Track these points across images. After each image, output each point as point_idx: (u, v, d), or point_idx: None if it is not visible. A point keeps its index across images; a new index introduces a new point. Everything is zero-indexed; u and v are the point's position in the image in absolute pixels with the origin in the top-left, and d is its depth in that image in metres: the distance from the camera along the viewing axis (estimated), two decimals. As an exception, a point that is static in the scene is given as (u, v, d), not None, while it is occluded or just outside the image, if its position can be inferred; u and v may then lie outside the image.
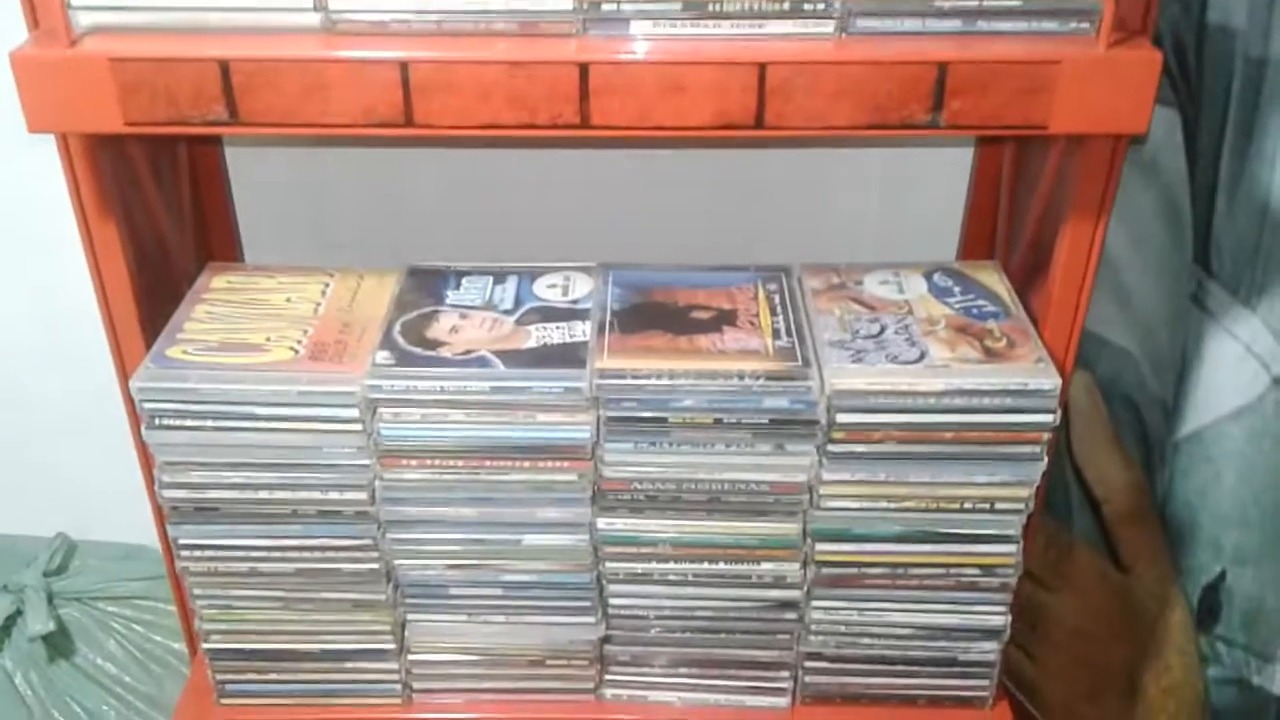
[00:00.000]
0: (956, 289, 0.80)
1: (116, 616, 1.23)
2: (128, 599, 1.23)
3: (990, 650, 0.81)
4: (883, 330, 0.75)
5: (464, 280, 0.81)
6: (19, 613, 1.18)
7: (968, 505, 0.75)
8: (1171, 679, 1.02)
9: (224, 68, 0.60)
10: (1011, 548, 0.76)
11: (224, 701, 0.84)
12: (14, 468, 1.26)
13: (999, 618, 0.80)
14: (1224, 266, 0.90)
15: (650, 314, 0.77)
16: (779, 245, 0.91)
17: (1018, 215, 0.82)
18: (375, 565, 0.78)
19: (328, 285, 0.81)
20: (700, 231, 0.94)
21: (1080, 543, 1.11)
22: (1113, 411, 1.06)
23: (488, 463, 0.74)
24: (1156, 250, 0.96)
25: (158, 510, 0.77)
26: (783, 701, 0.84)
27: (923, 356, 0.73)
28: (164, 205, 0.79)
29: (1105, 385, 1.05)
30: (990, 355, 0.73)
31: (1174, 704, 1.02)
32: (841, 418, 0.71)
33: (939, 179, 0.91)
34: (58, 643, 1.20)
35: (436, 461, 0.74)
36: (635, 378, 0.71)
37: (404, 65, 0.60)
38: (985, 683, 0.83)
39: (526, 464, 0.74)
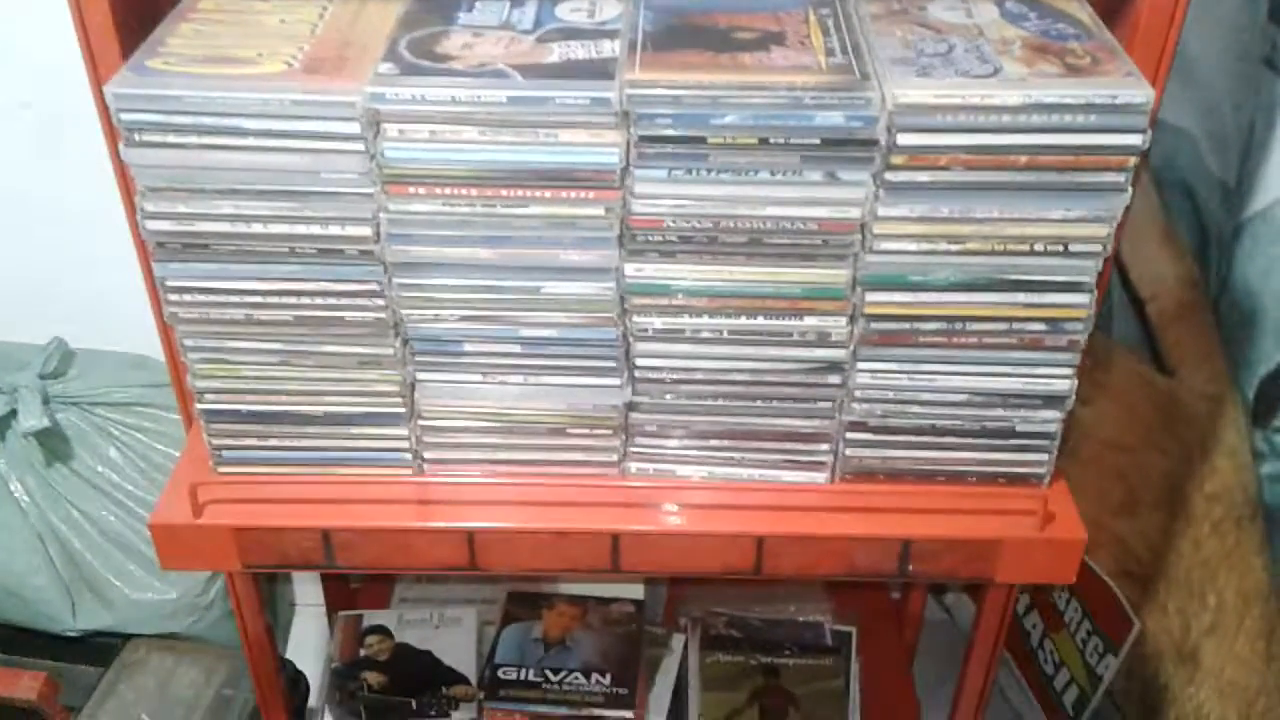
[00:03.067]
0: (1032, 14, 0.71)
1: (117, 424, 1.18)
2: (128, 405, 1.18)
3: (1052, 420, 0.75)
4: (951, 49, 0.67)
5: (477, 2, 0.73)
6: (13, 414, 1.13)
7: (1038, 247, 0.67)
8: (1218, 483, 0.96)
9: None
10: (1084, 298, 0.69)
11: (222, 470, 0.78)
12: (11, 277, 1.20)
13: (1064, 381, 0.73)
14: None
15: (687, 34, 0.69)
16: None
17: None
18: (381, 314, 0.71)
19: (326, 8, 0.72)
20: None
21: (1119, 347, 1.04)
22: (1165, 200, 0.98)
23: (504, 193, 0.66)
24: (1227, 8, 0.88)
25: (142, 248, 0.70)
26: (821, 476, 0.78)
27: (997, 72, 0.64)
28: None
29: (1158, 172, 0.97)
30: (1073, 71, 0.64)
31: (1220, 509, 0.96)
32: (903, 139, 0.63)
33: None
34: (55, 446, 1.15)
35: (447, 190, 0.66)
36: (671, 89, 0.63)
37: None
38: (1044, 457, 0.76)
39: (548, 194, 0.66)
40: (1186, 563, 1.00)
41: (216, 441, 0.77)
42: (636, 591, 1.14)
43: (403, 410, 0.76)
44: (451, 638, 1.13)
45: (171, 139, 0.64)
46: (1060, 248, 0.67)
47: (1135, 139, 0.63)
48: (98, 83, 0.66)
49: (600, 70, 0.65)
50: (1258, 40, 0.89)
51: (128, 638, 1.15)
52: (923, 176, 0.65)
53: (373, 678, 1.09)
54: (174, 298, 0.70)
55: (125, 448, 1.17)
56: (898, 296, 0.70)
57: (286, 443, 0.77)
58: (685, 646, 1.13)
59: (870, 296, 0.70)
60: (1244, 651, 0.94)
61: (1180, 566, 1.01)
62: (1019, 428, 0.75)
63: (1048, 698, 1.22)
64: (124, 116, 0.64)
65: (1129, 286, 1.04)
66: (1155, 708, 1.05)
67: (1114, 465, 1.07)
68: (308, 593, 1.38)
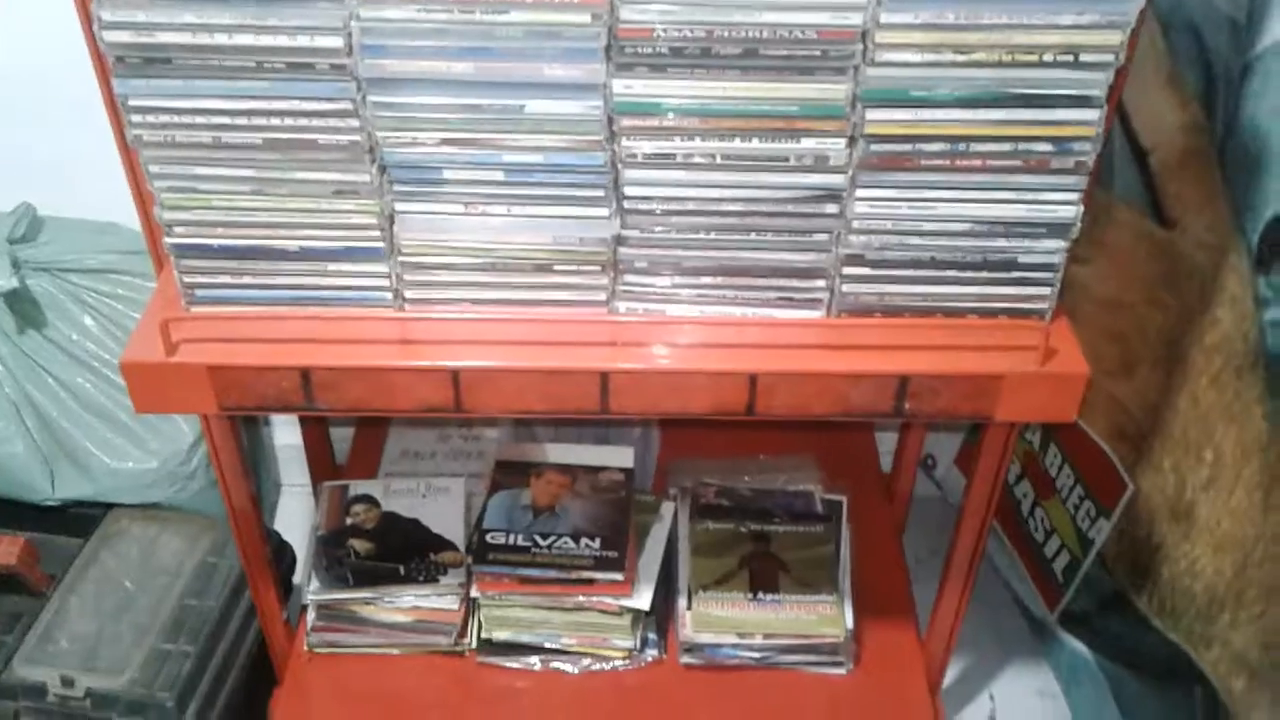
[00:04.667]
0: None
1: (90, 291, 1.14)
2: (101, 272, 1.14)
3: (1055, 250, 0.72)
4: None
5: None
6: (-19, 279, 1.09)
7: (1047, 57, 0.64)
8: (1218, 334, 0.94)
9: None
10: (1094, 114, 0.66)
11: (195, 309, 0.75)
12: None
13: (1070, 208, 0.70)
14: None
15: None
16: None
17: None
18: (356, 137, 0.68)
19: None
20: None
21: (1119, 203, 1.02)
22: (1170, 43, 0.94)
23: (486, -2, 0.62)
24: None
25: (100, 63, 0.66)
26: (816, 314, 0.76)
27: None
28: None
29: (1164, 15, 0.94)
30: None
31: (1220, 360, 0.94)
32: (908, -67, 0.59)
33: None
34: (27, 312, 1.12)
35: (424, -6, 0.62)
36: (661, -123, 0.59)
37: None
38: (1046, 290, 0.74)
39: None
40: (1183, 419, 0.99)
41: (188, 279, 0.74)
42: (626, 459, 1.12)
43: (381, 244, 0.72)
44: (439, 506, 1.11)
45: (127, -64, 0.60)
46: (1070, 57, 0.64)
47: (1153, -68, 0.59)
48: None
49: None
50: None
51: (109, 507, 1.12)
52: (927, -21, 0.61)
53: (360, 545, 1.07)
54: (136, 118, 0.67)
55: (100, 315, 1.14)
56: (899, 114, 0.66)
57: (262, 280, 0.74)
58: (675, 514, 1.12)
59: (871, 115, 0.66)
60: (1241, 504, 0.93)
61: (1176, 423, 0.99)
62: (1022, 259, 0.72)
63: (1037, 566, 1.21)
64: (75, -91, 0.59)
65: (1131, 138, 1.01)
66: (1147, 568, 1.05)
67: (1111, 326, 1.05)
68: (293, 473, 1.36)
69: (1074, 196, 0.69)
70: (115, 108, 0.67)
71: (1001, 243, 0.72)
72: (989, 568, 1.28)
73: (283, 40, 0.64)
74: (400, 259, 0.73)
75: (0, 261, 1.07)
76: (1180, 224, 0.98)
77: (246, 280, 0.74)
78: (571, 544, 1.03)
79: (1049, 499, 1.18)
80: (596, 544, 1.03)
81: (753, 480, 1.18)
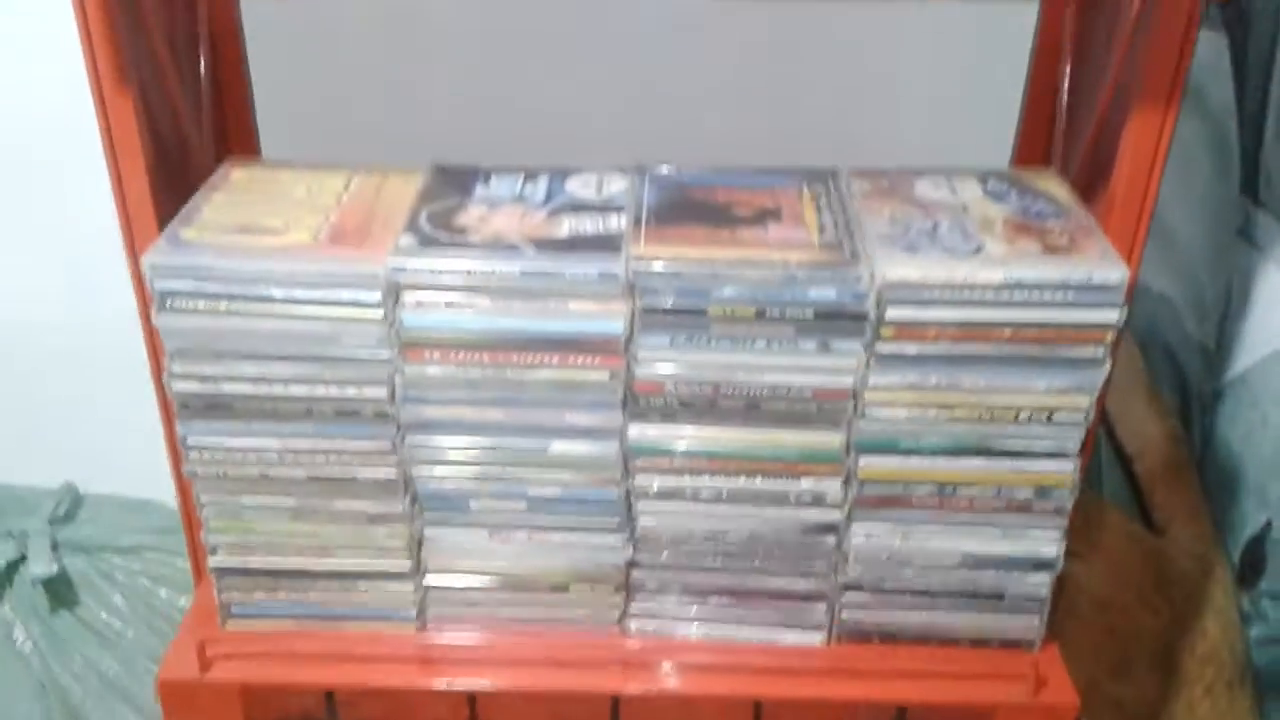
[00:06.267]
0: (1013, 192, 0.75)
1: (122, 569, 1.19)
2: (134, 550, 1.19)
3: (1041, 583, 0.76)
4: (936, 227, 0.71)
5: (493, 177, 0.77)
6: (22, 559, 1.14)
7: (1024, 415, 0.70)
8: (1208, 645, 0.97)
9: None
10: (1069, 465, 0.72)
11: (230, 625, 0.80)
12: (22, 419, 1.23)
13: (1052, 546, 0.75)
14: (1274, 195, 0.86)
15: (688, 210, 0.73)
16: (822, 151, 0.88)
17: (1076, 120, 0.78)
18: (392, 473, 0.74)
19: (350, 180, 0.77)
20: (739, 134, 0.91)
21: (1110, 505, 1.07)
22: (1149, 362, 1.02)
23: (514, 358, 0.70)
24: (1202, 183, 0.93)
25: (166, 406, 0.73)
26: (817, 638, 0.79)
27: (980, 250, 0.68)
28: (183, 95, 0.75)
29: (1141, 335, 1.01)
30: (1052, 250, 0.68)
31: (1211, 671, 0.97)
32: (892, 312, 0.67)
33: (992, 84, 0.86)
34: (61, 592, 1.16)
35: (461, 355, 0.70)
36: (673, 263, 0.67)
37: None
38: (1034, 621, 0.78)
39: (556, 360, 0.70)
40: (1183, 727, 1.00)
41: (226, 597, 0.79)
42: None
43: (409, 566, 0.77)
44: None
45: (202, 306, 0.68)
46: (1045, 417, 0.70)
47: (1111, 315, 0.67)
48: (134, 252, 0.70)
49: (607, 244, 0.69)
50: (1232, 211, 0.93)
51: (123, 790, 1.13)
52: (911, 348, 0.68)
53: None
54: (194, 455, 0.73)
55: (130, 593, 1.18)
56: (890, 461, 0.72)
57: (294, 597, 0.79)
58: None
59: (864, 460, 0.72)
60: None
61: (1175, 730, 1.01)
62: (1010, 591, 0.77)
63: None
64: (158, 285, 0.68)
65: (1116, 443, 1.07)
66: None
67: (1109, 624, 1.08)
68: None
69: (1055, 535, 0.74)
70: (175, 448, 0.73)
71: (990, 575, 0.76)
72: None
73: (333, 391, 0.71)
74: (425, 579, 0.78)
75: (41, 545, 1.12)
76: (1169, 531, 1.02)
77: (280, 597, 0.79)
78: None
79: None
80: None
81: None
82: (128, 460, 1.13)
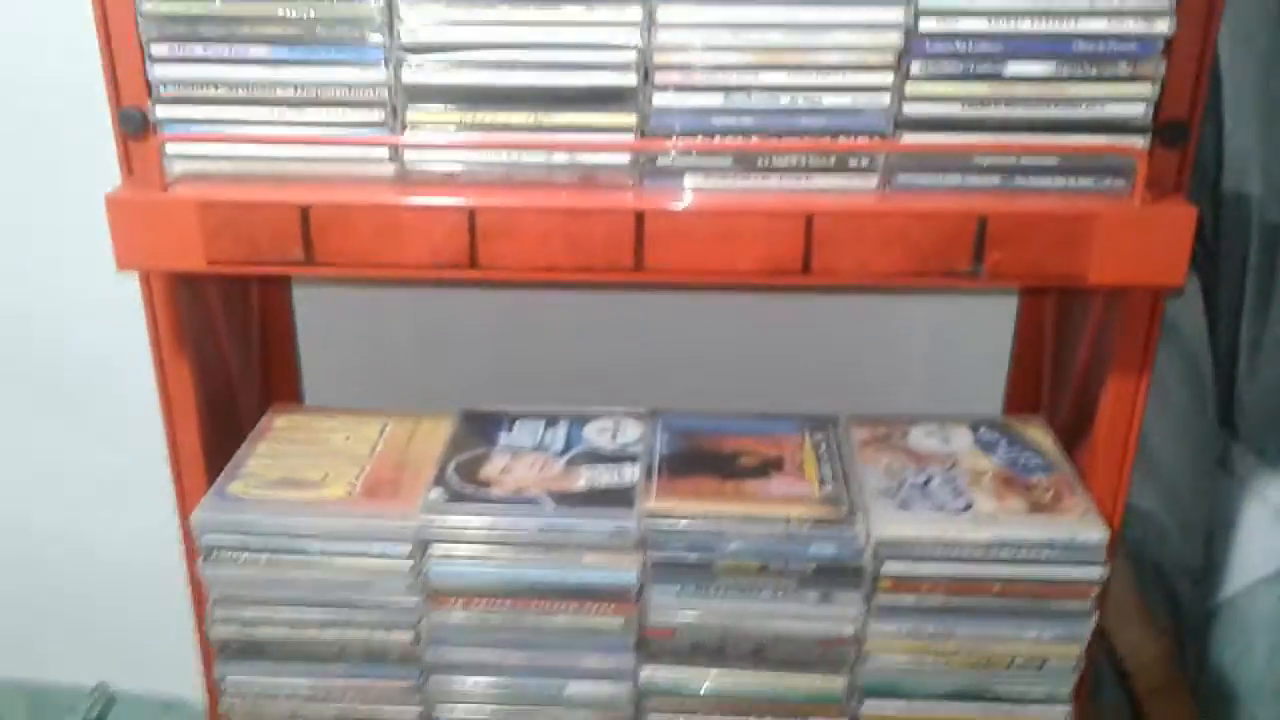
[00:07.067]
0: (1002, 442, 0.80)
1: (152, 770, 1.21)
2: (164, 753, 1.22)
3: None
4: (929, 481, 0.76)
5: (516, 423, 0.83)
6: (56, 761, 1.17)
7: (1017, 662, 0.74)
8: None
9: (304, 213, 0.64)
10: (1063, 709, 0.75)
11: None
12: (57, 618, 1.27)
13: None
14: (1249, 429, 0.91)
15: (698, 459, 0.79)
16: (826, 393, 0.93)
17: (1062, 369, 0.83)
18: (416, 709, 0.78)
19: (385, 426, 0.83)
20: (748, 378, 0.97)
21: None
22: (1140, 578, 1.04)
23: (533, 605, 0.74)
24: (1180, 413, 0.97)
25: (206, 651, 0.78)
26: None
27: (969, 507, 0.73)
28: (234, 347, 0.83)
29: (1132, 550, 1.04)
30: (1037, 508, 0.73)
31: None
32: (888, 567, 0.71)
33: (983, 331, 0.93)
34: (87, 793, 1.19)
35: (483, 603, 0.74)
36: (682, 519, 0.72)
37: (471, 212, 0.64)
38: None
39: (572, 607, 0.74)
40: None
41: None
42: None
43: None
44: None
45: (245, 557, 0.73)
46: (1037, 665, 0.73)
47: (1094, 573, 0.71)
48: (184, 505, 0.76)
49: (621, 499, 0.74)
50: (1211, 441, 0.97)
51: None
52: (908, 599, 0.72)
53: None
54: (231, 695, 0.77)
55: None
56: (891, 704, 0.76)
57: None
58: None
59: (868, 702, 0.76)
60: None
61: None
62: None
63: None
64: (205, 539, 0.73)
65: (1115, 659, 1.08)
66: None
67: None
68: None
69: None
70: (212, 689, 0.77)
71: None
72: None
73: (363, 634, 0.75)
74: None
75: (75, 750, 1.15)
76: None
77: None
78: None
79: None
80: None
81: None
82: (159, 659, 1.17)
